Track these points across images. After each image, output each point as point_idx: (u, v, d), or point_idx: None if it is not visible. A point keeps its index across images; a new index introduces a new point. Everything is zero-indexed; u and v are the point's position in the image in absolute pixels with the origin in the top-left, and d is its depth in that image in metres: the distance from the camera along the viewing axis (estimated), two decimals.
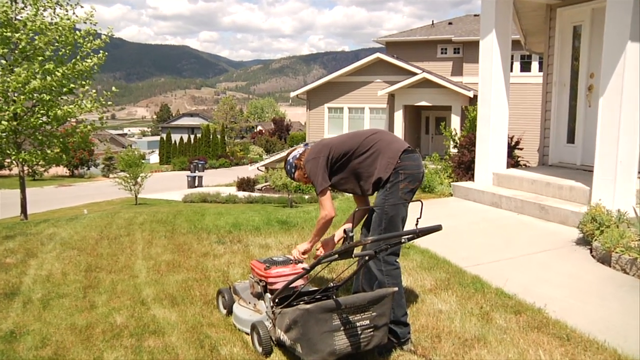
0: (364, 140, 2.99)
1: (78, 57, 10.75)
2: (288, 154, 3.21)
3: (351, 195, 3.33)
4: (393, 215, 2.90)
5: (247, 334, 3.05)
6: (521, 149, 9.20)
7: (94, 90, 10.97)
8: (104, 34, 11.39)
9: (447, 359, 2.76)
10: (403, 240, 2.50)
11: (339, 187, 3.19)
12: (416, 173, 2.95)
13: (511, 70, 8.70)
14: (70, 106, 10.60)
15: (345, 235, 2.41)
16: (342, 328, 2.51)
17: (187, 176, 28.77)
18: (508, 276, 3.96)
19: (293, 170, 3.16)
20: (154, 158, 54.18)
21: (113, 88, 11.56)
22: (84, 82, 10.79)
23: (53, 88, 10.21)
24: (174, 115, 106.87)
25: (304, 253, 3.23)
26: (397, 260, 2.96)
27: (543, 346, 2.86)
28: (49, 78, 9.92)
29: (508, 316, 3.27)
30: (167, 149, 49.35)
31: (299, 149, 3.19)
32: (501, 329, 3.09)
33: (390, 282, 2.87)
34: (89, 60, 10.57)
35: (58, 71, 9.97)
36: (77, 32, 10.95)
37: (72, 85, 10.56)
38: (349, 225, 3.18)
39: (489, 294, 3.63)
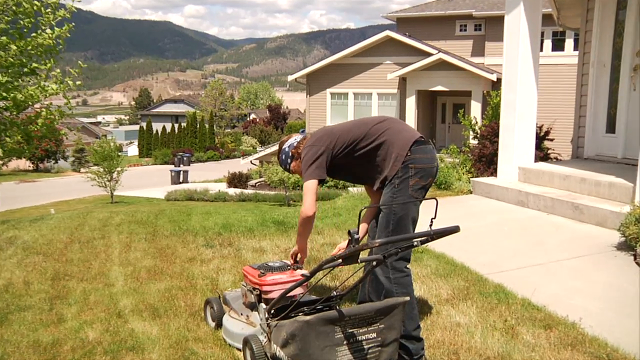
0: (371, 129, 2.97)
1: (39, 32, 10.59)
2: (282, 142, 3.21)
3: (357, 192, 3.30)
4: (402, 215, 2.89)
5: (239, 349, 3.04)
6: (552, 139, 9.19)
7: (57, 70, 10.75)
8: (69, 2, 11.22)
9: None
10: (415, 243, 2.49)
11: (341, 178, 3.22)
12: (428, 167, 2.93)
13: (541, 50, 8.66)
14: (32, 88, 10.45)
15: (350, 237, 2.38)
16: (345, 342, 2.51)
17: (171, 171, 28.77)
18: (536, 285, 3.94)
19: (289, 160, 3.17)
20: (133, 150, 54.22)
21: (80, 62, 11.35)
22: (47, 61, 10.61)
23: (9, 68, 10.08)
24: (155, 101, 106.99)
25: (297, 260, 3.21)
26: (408, 266, 2.95)
27: None
28: (2, 53, 9.79)
29: (536, 331, 3.25)
30: (148, 139, 49.36)
31: (296, 137, 3.19)
32: (529, 346, 3.08)
33: (400, 291, 2.86)
34: (49, 31, 10.37)
35: (13, 45, 9.82)
36: (37, 1, 10.80)
37: (34, 65, 10.41)
38: (364, 226, 3.19)
39: (514, 305, 3.62)
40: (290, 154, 3.15)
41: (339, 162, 3.00)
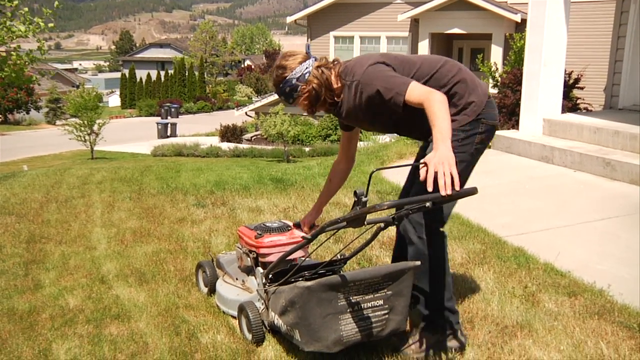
0: (440, 69, 2.68)
1: None
2: (283, 67, 2.73)
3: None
4: (461, 176, 2.59)
5: (234, 317, 3.07)
6: (582, 88, 9.08)
7: (25, 8, 10.47)
8: None
9: (482, 349, 2.78)
10: (427, 204, 2.43)
11: (372, 127, 2.93)
12: (495, 126, 2.76)
13: None
14: None
15: (356, 198, 2.35)
16: (349, 310, 2.52)
17: (157, 123, 28.71)
18: (560, 249, 3.95)
19: (294, 95, 2.73)
20: (114, 100, 53.94)
21: (56, 2, 11.10)
22: None
23: None
24: (138, 45, 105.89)
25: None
26: (442, 229, 2.82)
27: (606, 337, 2.87)
28: None
29: (560, 298, 3.27)
30: (131, 88, 49.01)
31: (306, 63, 2.72)
32: (551, 315, 3.10)
33: (435, 254, 2.75)
34: None
35: None
36: None
37: None
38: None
39: (535, 270, 3.64)
40: (297, 89, 2.71)
41: (391, 107, 2.61)
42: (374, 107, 2.66)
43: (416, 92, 2.49)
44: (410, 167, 2.81)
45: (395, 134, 3.05)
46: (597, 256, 3.90)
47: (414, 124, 2.70)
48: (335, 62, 2.78)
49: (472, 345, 2.81)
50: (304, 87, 2.71)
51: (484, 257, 3.87)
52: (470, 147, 2.68)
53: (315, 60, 2.76)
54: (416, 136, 2.97)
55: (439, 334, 2.76)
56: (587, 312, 3.11)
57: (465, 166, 2.69)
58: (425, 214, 2.68)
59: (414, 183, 2.74)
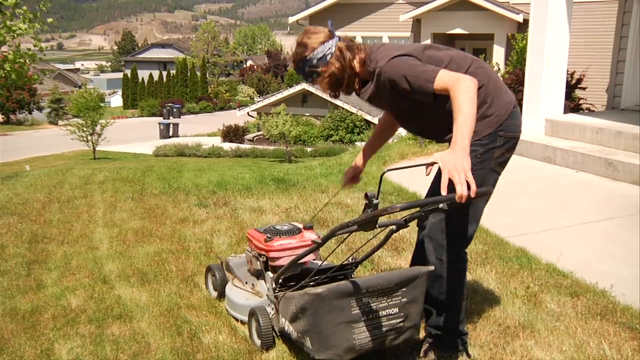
0: (467, 72, 2.51)
1: None
2: (304, 45, 2.58)
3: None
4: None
5: (244, 322, 3.03)
6: (584, 88, 9.09)
7: (24, 7, 10.39)
8: None
9: (484, 350, 2.77)
10: (441, 206, 2.33)
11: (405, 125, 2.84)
12: (516, 137, 2.64)
13: None
14: None
15: (367, 201, 2.29)
16: (363, 319, 2.46)
17: (159, 123, 28.75)
18: (563, 249, 3.95)
19: (314, 75, 2.62)
20: (116, 100, 54.02)
21: None
22: None
23: None
24: (140, 45, 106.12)
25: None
26: (466, 251, 2.74)
27: (608, 338, 2.87)
28: None
29: (562, 299, 3.27)
30: (133, 89, 49.06)
31: (328, 43, 2.57)
32: (553, 315, 3.10)
33: (453, 278, 2.67)
34: None
35: None
36: None
37: None
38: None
39: (537, 270, 3.63)
40: (317, 70, 2.59)
41: (415, 104, 2.53)
42: (398, 97, 2.54)
43: (444, 78, 2.36)
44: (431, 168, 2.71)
45: (408, 131, 3.01)
46: (600, 257, 3.89)
47: (431, 122, 2.62)
48: (360, 47, 2.63)
49: (474, 345, 2.81)
50: (325, 69, 2.59)
51: (486, 257, 3.87)
52: (489, 162, 2.57)
53: (339, 40, 2.61)
54: (429, 137, 2.91)
55: (444, 352, 2.71)
56: (589, 312, 3.10)
57: (487, 181, 2.57)
58: (448, 236, 2.61)
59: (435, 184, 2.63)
